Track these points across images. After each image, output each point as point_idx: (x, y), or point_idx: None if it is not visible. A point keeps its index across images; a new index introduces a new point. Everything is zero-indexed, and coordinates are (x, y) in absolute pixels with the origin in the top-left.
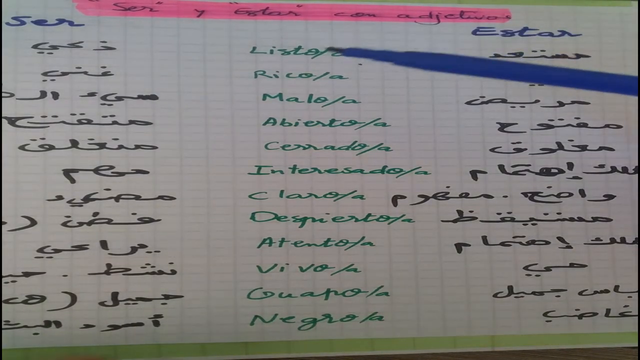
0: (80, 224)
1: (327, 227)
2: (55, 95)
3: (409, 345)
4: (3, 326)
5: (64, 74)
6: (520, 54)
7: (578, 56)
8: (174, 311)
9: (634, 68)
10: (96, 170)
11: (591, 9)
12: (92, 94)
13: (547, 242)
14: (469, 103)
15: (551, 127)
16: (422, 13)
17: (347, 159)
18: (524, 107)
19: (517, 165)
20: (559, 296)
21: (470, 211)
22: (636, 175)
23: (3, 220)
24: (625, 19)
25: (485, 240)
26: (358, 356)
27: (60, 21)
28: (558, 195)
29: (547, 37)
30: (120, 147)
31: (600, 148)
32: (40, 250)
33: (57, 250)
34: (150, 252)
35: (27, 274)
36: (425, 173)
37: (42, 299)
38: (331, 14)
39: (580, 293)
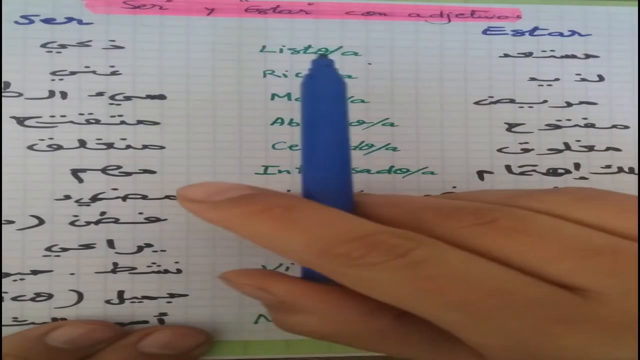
0: (88, 223)
1: None
2: (64, 95)
3: None
4: (11, 322)
5: (72, 73)
6: (529, 54)
7: (587, 56)
8: (178, 309)
9: None
10: (104, 170)
11: (601, 9)
12: (100, 94)
13: None
14: (477, 103)
15: (559, 127)
16: (433, 12)
17: (354, 159)
18: (532, 107)
19: (524, 165)
20: None
21: None
22: None
23: (11, 219)
24: (635, 20)
25: None
26: (358, 356)
27: (69, 20)
28: None
29: (557, 37)
30: (128, 147)
31: (608, 148)
32: (48, 249)
33: (64, 249)
34: (156, 252)
35: (35, 272)
36: (432, 173)
37: (50, 296)
38: (342, 12)
39: None
